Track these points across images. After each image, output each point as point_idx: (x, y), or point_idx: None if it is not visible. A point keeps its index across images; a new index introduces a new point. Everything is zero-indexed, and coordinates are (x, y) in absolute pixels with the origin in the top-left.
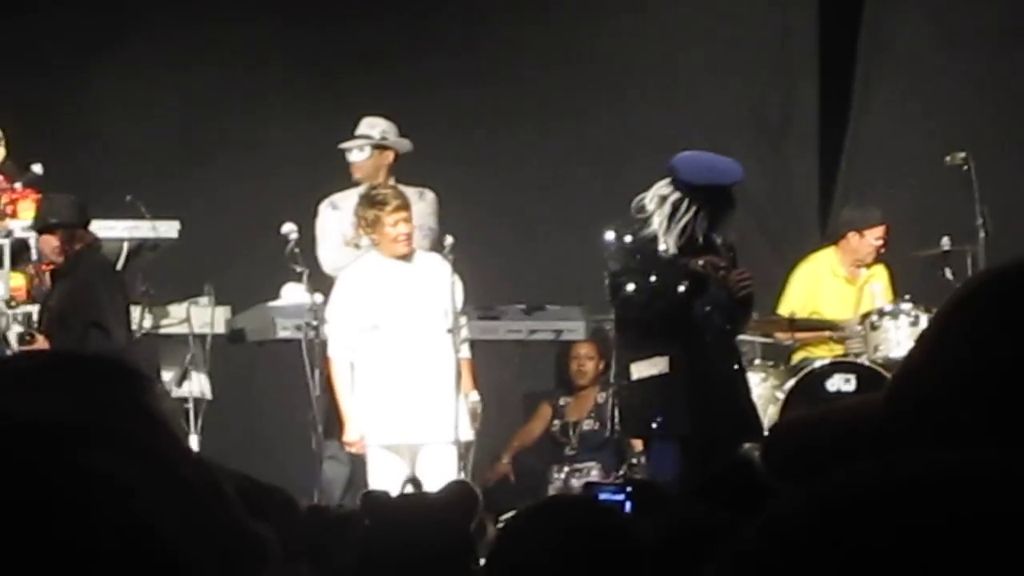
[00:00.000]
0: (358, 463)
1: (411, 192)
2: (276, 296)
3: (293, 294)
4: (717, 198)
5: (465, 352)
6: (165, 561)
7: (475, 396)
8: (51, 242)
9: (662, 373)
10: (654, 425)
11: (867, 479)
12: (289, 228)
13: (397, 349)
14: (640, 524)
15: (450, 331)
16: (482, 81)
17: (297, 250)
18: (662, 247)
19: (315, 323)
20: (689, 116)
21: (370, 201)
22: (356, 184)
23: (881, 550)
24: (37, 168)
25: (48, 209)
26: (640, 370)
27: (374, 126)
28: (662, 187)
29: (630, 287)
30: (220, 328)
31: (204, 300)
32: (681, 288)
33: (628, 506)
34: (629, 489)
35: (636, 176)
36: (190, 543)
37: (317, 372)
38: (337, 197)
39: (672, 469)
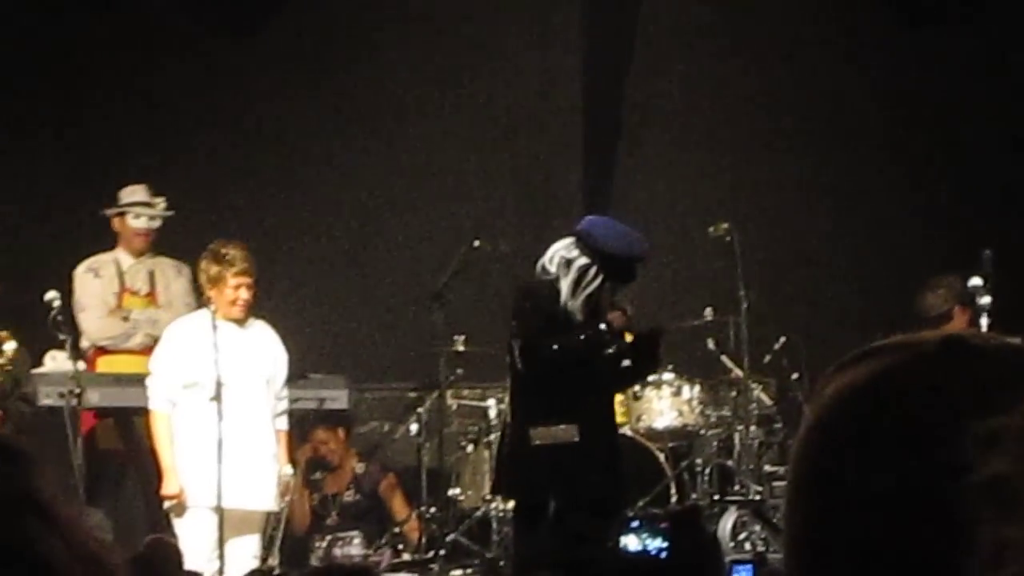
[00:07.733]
0: None
1: (170, 266)
2: (39, 364)
3: (56, 361)
4: (624, 270)
5: (283, 423)
6: None
7: (288, 469)
8: None
9: (571, 441)
10: (552, 493)
11: None
12: (52, 295)
13: (217, 410)
14: None
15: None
16: (239, 146)
17: (60, 317)
18: (567, 305)
19: (78, 391)
20: (452, 183)
21: (217, 258)
22: (140, 252)
23: None
24: None
25: None
26: (542, 436)
27: (156, 197)
28: (568, 248)
29: (554, 347)
30: None
31: None
32: (609, 350)
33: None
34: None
35: (395, 246)
36: None
37: (79, 440)
38: (95, 262)
39: (537, 542)
